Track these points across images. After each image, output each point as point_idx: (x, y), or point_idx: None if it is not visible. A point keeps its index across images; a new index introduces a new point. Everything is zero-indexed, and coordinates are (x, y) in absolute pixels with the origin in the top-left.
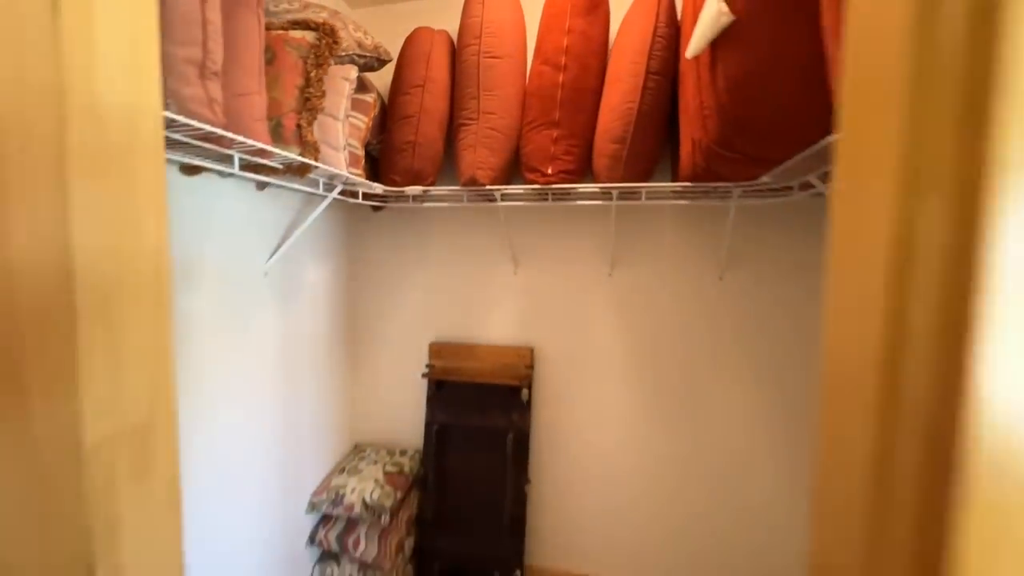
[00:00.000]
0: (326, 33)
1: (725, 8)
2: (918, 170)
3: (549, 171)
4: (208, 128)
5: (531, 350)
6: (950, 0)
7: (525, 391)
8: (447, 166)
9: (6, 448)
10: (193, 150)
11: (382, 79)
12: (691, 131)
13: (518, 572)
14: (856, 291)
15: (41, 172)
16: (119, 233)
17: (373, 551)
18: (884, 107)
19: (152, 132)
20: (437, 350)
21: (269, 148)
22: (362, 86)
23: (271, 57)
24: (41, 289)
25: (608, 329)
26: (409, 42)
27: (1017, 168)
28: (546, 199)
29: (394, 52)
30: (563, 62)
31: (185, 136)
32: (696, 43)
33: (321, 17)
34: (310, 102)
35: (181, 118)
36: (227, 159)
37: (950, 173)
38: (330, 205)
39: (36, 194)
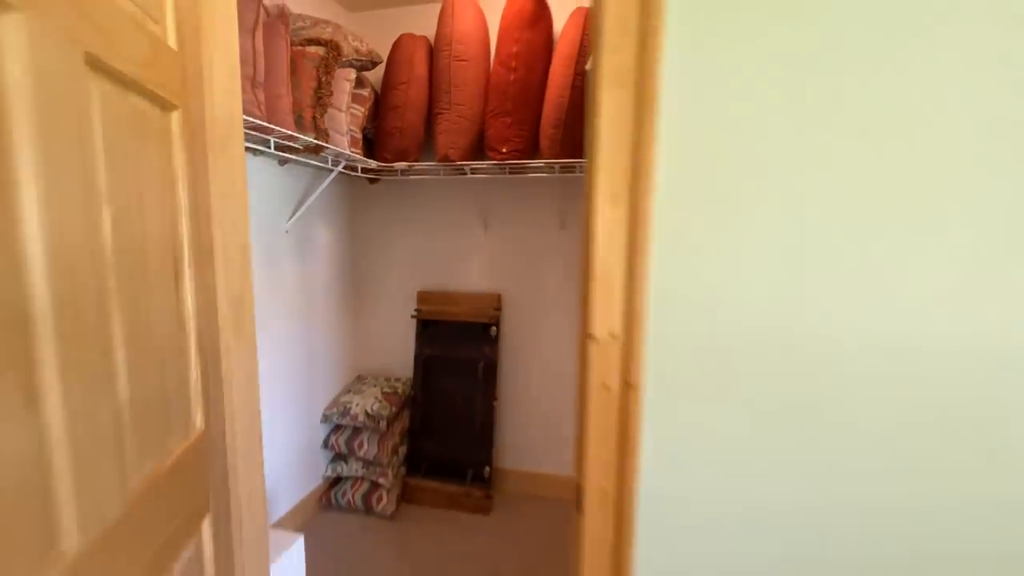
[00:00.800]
0: (332, 48)
1: None
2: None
3: (504, 150)
4: (258, 122)
5: (499, 295)
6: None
7: (494, 328)
8: (428, 147)
9: (202, 293)
10: (253, 139)
11: (375, 75)
12: None
13: (487, 469)
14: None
15: (201, 153)
16: (229, 186)
17: (374, 451)
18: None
19: (238, 127)
20: (423, 297)
21: (295, 134)
22: (360, 83)
23: (294, 67)
24: (201, 219)
25: (559, 276)
26: (396, 46)
27: (601, 153)
28: (504, 172)
29: (383, 51)
30: (513, 64)
31: (247, 129)
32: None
33: (327, 34)
34: (322, 99)
35: (247, 117)
36: (265, 142)
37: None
38: (335, 179)
39: (203, 165)
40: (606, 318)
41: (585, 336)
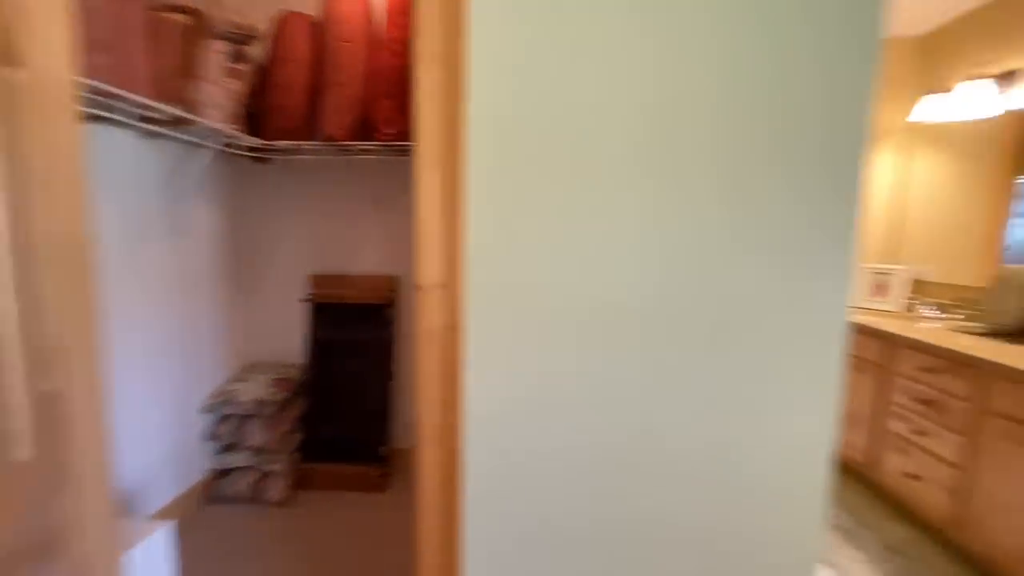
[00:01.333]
0: (196, 17)
1: None
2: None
3: (389, 131)
4: (105, 87)
5: (393, 277)
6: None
7: (390, 310)
8: (314, 126)
9: (36, 255)
10: (99, 105)
11: (259, 51)
12: None
13: (382, 448)
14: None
15: (37, 110)
16: (61, 134)
17: (264, 438)
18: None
19: (70, 88)
20: (316, 280)
21: (152, 103)
22: (239, 57)
23: (155, 35)
24: (34, 180)
25: None
26: (281, 23)
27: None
28: (390, 153)
29: (268, 26)
30: (396, 49)
31: (89, 94)
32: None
33: (192, 2)
34: (188, 70)
35: (89, 81)
36: (117, 109)
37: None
38: (218, 157)
39: (54, 120)
40: (430, 269)
41: (415, 287)
